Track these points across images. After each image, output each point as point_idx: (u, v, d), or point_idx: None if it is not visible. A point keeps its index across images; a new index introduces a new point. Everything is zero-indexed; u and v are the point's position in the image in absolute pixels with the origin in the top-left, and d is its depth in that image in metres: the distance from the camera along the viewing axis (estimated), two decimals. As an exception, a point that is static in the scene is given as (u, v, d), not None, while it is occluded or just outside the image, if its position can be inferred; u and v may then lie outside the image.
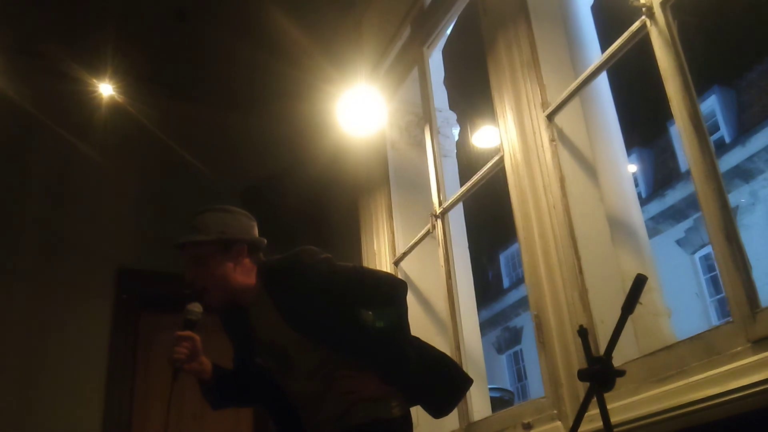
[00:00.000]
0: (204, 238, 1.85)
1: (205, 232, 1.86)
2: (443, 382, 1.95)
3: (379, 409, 1.83)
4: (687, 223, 14.36)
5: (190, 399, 4.09)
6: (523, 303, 17.85)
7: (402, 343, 1.84)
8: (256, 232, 1.95)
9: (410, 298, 2.04)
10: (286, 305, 1.84)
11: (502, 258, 21.20)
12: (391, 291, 1.88)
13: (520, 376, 19.21)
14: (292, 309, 1.84)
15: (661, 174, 16.07)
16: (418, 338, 1.98)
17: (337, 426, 1.84)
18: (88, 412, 3.74)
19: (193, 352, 1.85)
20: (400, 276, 3.41)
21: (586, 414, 1.34)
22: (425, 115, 3.45)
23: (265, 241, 1.95)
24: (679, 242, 14.49)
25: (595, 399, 1.34)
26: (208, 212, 1.91)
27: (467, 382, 2.00)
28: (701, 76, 13.10)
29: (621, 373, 1.33)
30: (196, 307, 1.89)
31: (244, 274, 1.87)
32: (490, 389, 3.99)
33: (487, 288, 20.47)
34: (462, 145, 4.17)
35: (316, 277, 1.82)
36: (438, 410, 1.96)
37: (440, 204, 3.16)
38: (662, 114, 13.36)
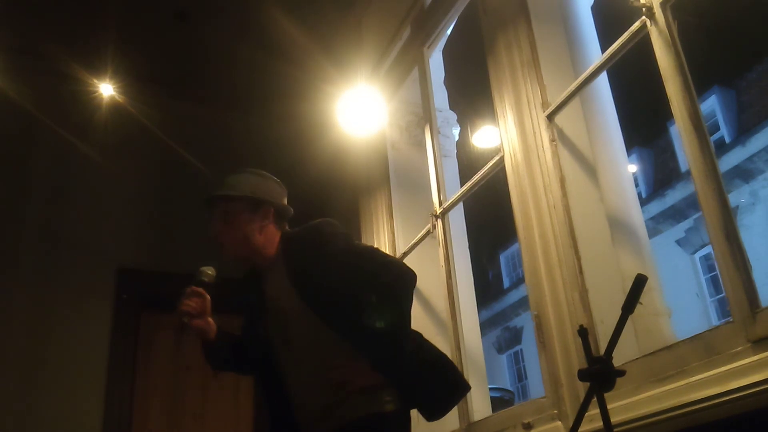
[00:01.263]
0: (234, 194, 1.94)
1: (236, 190, 1.95)
2: (439, 382, 1.92)
3: (372, 404, 1.81)
4: (687, 223, 14.37)
5: (191, 398, 4.10)
6: (523, 303, 17.86)
7: (398, 330, 1.82)
8: (285, 200, 2.04)
9: (411, 297, 2.04)
10: (297, 271, 1.89)
11: (502, 258, 21.20)
12: (398, 275, 1.88)
13: (520, 376, 19.22)
14: (303, 276, 1.88)
15: (661, 174, 16.08)
16: (420, 334, 1.96)
17: (330, 422, 1.83)
18: (88, 412, 3.74)
19: (202, 309, 1.90)
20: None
21: (587, 414, 1.34)
22: (425, 115, 3.46)
23: (292, 210, 2.04)
24: (679, 242, 14.49)
25: (595, 399, 1.34)
26: (242, 173, 2.01)
27: (465, 387, 1.97)
28: (701, 76, 13.12)
29: (621, 373, 1.33)
30: (209, 270, 1.95)
31: (267, 238, 1.95)
32: (491, 389, 3.99)
33: (488, 288, 20.48)
34: (462, 145, 4.17)
35: (332, 248, 1.87)
36: (431, 412, 1.91)
37: (440, 204, 3.16)
38: (662, 114, 13.38)
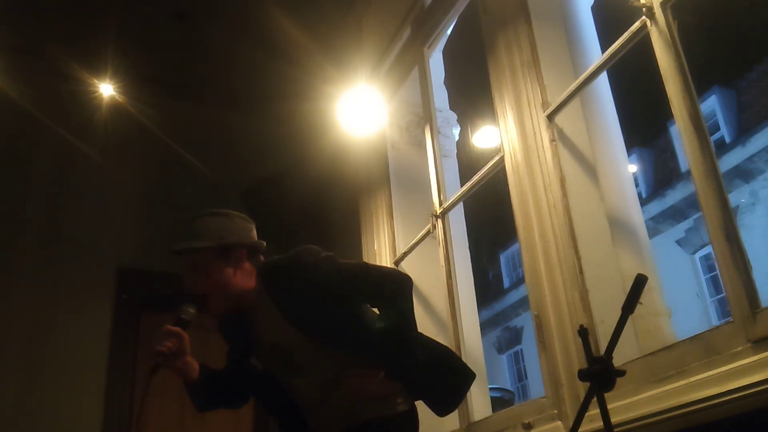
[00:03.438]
0: (203, 245, 1.81)
1: (204, 239, 1.82)
2: (447, 378, 1.93)
3: (384, 406, 1.83)
4: (687, 223, 14.36)
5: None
6: (523, 303, 17.86)
7: (409, 341, 1.83)
8: (254, 234, 1.92)
9: (411, 297, 2.04)
10: (289, 307, 1.82)
11: (503, 258, 21.20)
12: (396, 288, 1.85)
13: (520, 376, 19.22)
14: (296, 310, 1.82)
15: (661, 174, 16.08)
16: (420, 333, 1.97)
17: (343, 422, 1.84)
18: (88, 412, 3.74)
19: (179, 349, 1.82)
20: (400, 276, 3.41)
21: (587, 414, 1.34)
22: (425, 115, 3.45)
23: (265, 243, 1.92)
24: (679, 242, 14.49)
25: (595, 399, 1.34)
26: (206, 217, 1.87)
27: (470, 376, 1.98)
28: (701, 76, 13.12)
29: (621, 373, 1.33)
30: (190, 308, 1.86)
31: (244, 279, 1.84)
32: (491, 389, 3.99)
33: (488, 288, 20.48)
34: (462, 145, 4.17)
35: (319, 277, 1.79)
36: (442, 407, 1.93)
37: (440, 204, 3.16)
38: (662, 114, 13.38)
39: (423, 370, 1.86)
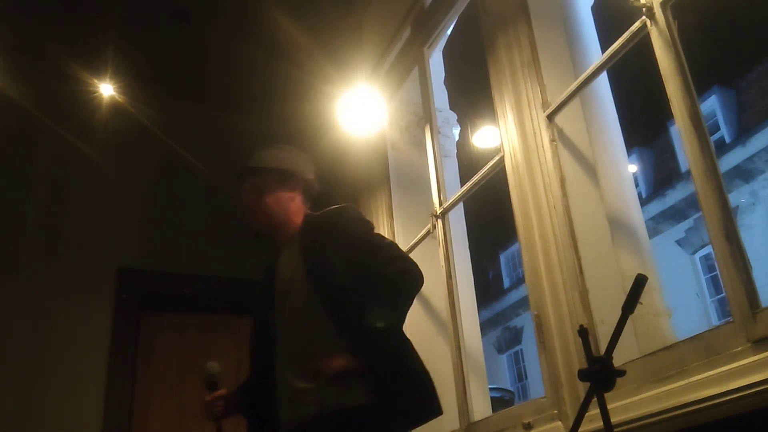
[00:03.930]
0: (264, 166, 2.03)
1: (266, 162, 2.04)
2: (413, 396, 1.84)
3: (346, 397, 1.77)
4: (687, 223, 14.37)
5: (191, 398, 4.09)
6: (523, 303, 17.87)
7: (389, 320, 1.81)
8: (313, 175, 2.12)
9: (411, 297, 2.02)
10: (311, 247, 1.92)
11: (503, 258, 21.21)
12: (406, 270, 1.89)
13: (520, 376, 19.23)
14: (315, 253, 1.90)
15: (661, 174, 16.09)
16: (411, 344, 1.93)
17: (309, 411, 1.81)
18: (88, 412, 3.74)
19: (227, 405, 1.99)
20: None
21: (587, 414, 1.34)
22: (425, 115, 3.45)
23: (320, 186, 2.12)
24: (679, 242, 14.49)
25: (595, 399, 1.34)
26: (273, 148, 2.10)
27: (434, 411, 1.87)
28: (701, 76, 13.13)
29: (621, 373, 1.33)
30: (213, 364, 2.02)
31: (292, 212, 2.02)
32: (491, 389, 3.99)
33: (488, 288, 20.49)
34: (462, 145, 4.17)
35: (349, 231, 1.92)
36: (395, 426, 1.83)
37: (440, 204, 3.16)
38: (662, 114, 13.38)
39: (391, 369, 1.80)
